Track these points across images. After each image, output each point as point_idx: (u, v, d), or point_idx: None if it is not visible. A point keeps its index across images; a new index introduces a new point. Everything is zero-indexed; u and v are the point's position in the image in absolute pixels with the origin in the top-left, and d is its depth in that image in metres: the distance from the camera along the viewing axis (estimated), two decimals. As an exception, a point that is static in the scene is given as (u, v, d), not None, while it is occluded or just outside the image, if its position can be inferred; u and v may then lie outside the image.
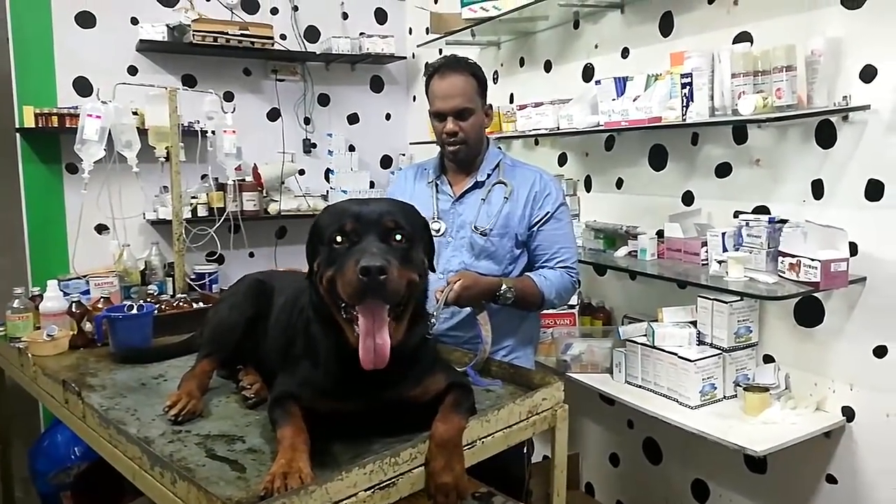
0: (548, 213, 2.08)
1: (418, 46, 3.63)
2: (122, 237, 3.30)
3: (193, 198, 3.50)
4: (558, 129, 2.64)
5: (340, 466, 1.32)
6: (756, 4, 2.17)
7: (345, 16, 4.07)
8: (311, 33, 4.00)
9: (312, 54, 3.89)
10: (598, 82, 2.49)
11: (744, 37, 2.21)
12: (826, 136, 2.01)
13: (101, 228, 3.46)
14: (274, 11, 3.88)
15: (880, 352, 1.92)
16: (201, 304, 2.60)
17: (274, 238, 3.99)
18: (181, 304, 2.53)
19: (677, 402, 2.18)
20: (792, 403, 2.09)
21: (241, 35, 3.49)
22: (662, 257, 2.37)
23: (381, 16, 4.20)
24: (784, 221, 2.04)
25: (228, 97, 3.66)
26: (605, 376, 2.47)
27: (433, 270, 1.55)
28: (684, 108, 2.09)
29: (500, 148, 2.23)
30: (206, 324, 1.93)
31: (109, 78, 3.28)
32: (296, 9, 3.92)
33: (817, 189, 2.05)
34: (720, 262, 2.06)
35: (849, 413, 2.01)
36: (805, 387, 2.11)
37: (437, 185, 2.18)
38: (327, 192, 4.04)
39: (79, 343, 2.24)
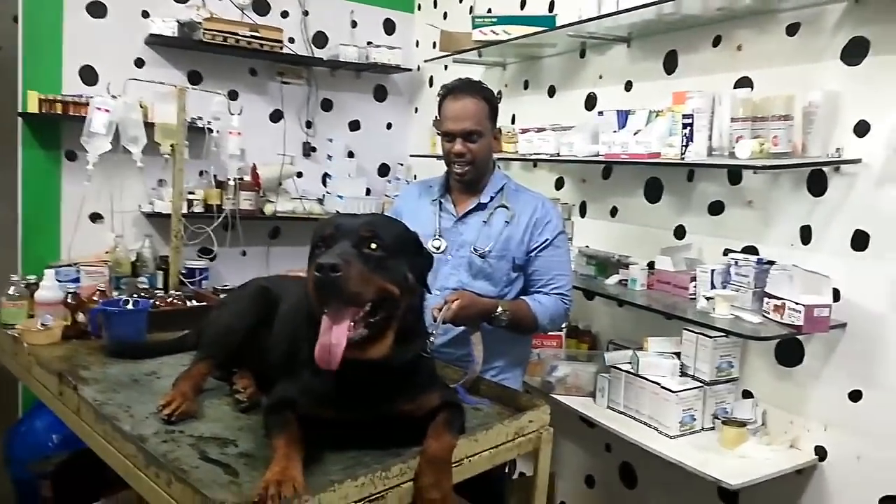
0: (547, 239, 2.13)
1: (426, 61, 3.69)
2: (117, 228, 3.32)
3: (190, 193, 3.51)
4: (558, 155, 2.70)
5: (330, 477, 1.35)
6: (759, 52, 2.25)
7: (354, 24, 4.12)
8: (319, 39, 4.04)
9: (319, 60, 3.93)
10: (601, 113, 2.56)
11: (744, 82, 2.28)
12: (817, 184, 2.08)
13: (94, 217, 3.46)
14: (284, 15, 3.92)
15: (855, 396, 1.99)
16: (194, 303, 2.62)
17: (267, 238, 4.01)
18: (174, 300, 2.55)
19: (657, 430, 2.23)
20: (767, 440, 2.16)
21: (251, 36, 3.53)
22: (652, 288, 2.44)
23: (389, 27, 4.25)
24: (772, 263, 2.12)
25: (233, 96, 3.69)
26: (587, 400, 2.52)
27: (428, 291, 1.59)
28: (684, 147, 2.16)
29: (504, 173, 2.28)
30: (207, 326, 1.95)
31: (116, 69, 3.33)
32: (306, 13, 3.97)
33: (805, 234, 2.12)
34: (708, 299, 2.12)
35: (821, 452, 2.08)
36: (781, 424, 2.17)
37: (440, 203, 2.22)
38: (323, 196, 4.08)
39: (71, 334, 2.25)
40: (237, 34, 3.50)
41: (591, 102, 2.93)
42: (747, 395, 2.28)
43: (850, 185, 1.99)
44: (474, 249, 2.11)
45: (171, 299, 2.54)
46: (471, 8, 3.72)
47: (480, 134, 2.10)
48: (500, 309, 2.00)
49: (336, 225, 1.40)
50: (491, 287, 2.11)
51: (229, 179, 3.02)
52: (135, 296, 2.40)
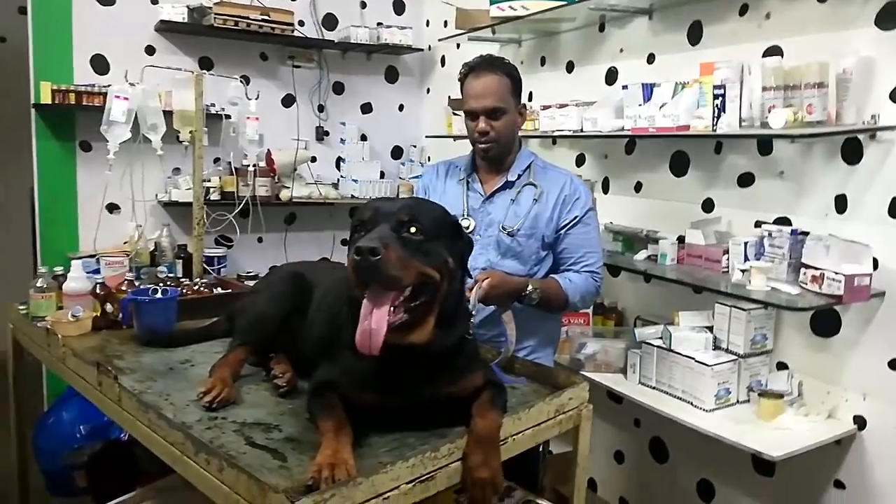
0: (576, 217, 2.11)
1: (440, 40, 3.64)
2: (137, 217, 3.31)
3: (206, 181, 3.49)
4: (581, 130, 2.67)
5: (379, 459, 1.35)
6: (788, 19, 2.21)
7: (363, 5, 4.07)
8: (329, 21, 4.00)
9: (330, 42, 3.89)
10: (624, 87, 2.52)
11: (773, 51, 2.25)
12: (852, 152, 2.06)
13: (112, 208, 3.44)
14: (293, -3, 3.87)
15: (895, 365, 1.98)
16: (219, 290, 2.61)
17: (283, 224, 4.00)
18: (201, 288, 2.54)
19: (691, 404, 2.23)
20: (804, 410, 2.15)
21: (262, 20, 3.48)
22: (682, 263, 2.42)
23: (399, 7, 4.20)
24: (806, 234, 2.10)
25: (245, 81, 3.63)
26: (617, 376, 2.52)
27: (469, 275, 1.57)
28: (715, 119, 2.13)
29: (531, 151, 2.25)
30: (240, 312, 1.94)
31: (127, 57, 3.30)
32: (315, -5, 3.92)
33: (840, 204, 2.10)
34: (743, 271, 2.10)
35: (860, 422, 2.08)
36: (817, 395, 2.17)
37: (468, 182, 2.20)
38: (338, 180, 4.06)
39: (101, 325, 2.25)
40: (248, 18, 3.46)
41: (611, 77, 2.89)
42: (782, 366, 2.27)
43: (886, 153, 1.97)
44: (503, 228, 2.10)
45: (197, 287, 2.54)
46: (482, -16, 3.66)
47: (504, 111, 2.08)
48: (530, 287, 1.99)
49: (374, 208, 1.39)
50: (520, 266, 2.10)
51: (248, 165, 3.00)
52: (163, 285, 2.39)
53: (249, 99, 2.83)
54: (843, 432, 2.06)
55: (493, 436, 1.43)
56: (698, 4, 2.48)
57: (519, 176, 2.15)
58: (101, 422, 2.86)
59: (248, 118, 2.79)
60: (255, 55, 3.82)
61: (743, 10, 2.35)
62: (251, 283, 2.90)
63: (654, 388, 2.37)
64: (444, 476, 1.39)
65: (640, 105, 2.46)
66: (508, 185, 2.15)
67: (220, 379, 1.68)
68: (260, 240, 3.92)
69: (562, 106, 2.73)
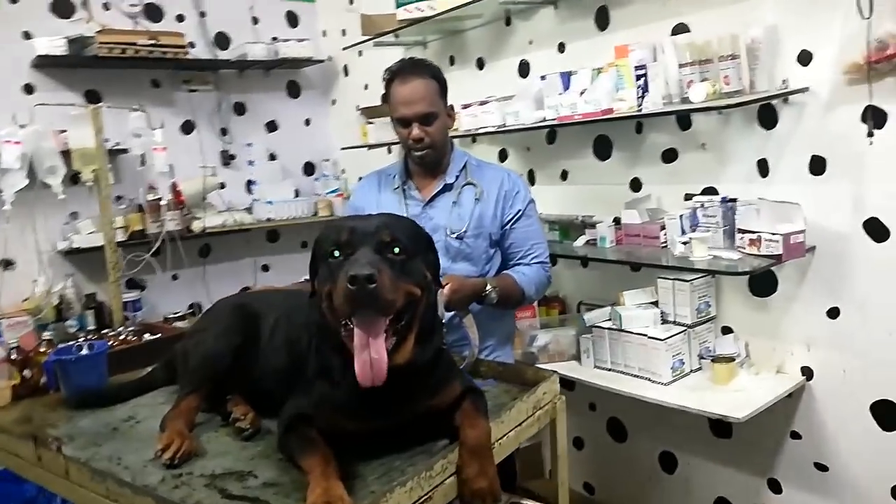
0: (519, 210, 2.11)
1: (344, 49, 3.55)
2: (35, 271, 3.04)
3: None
4: (504, 125, 2.67)
5: (370, 487, 1.29)
6: (691, -3, 2.29)
7: (255, 20, 3.93)
8: (221, 40, 3.83)
9: (226, 62, 3.73)
10: (542, 77, 2.54)
11: (681, 28, 2.32)
12: (768, 117, 2.15)
13: (6, 264, 3.14)
14: (180, 18, 3.68)
15: (833, 313, 2.09)
16: (148, 336, 2.44)
17: (198, 258, 3.79)
18: (127, 337, 2.36)
19: (649, 380, 2.27)
20: (755, 370, 2.24)
21: (152, 45, 3.28)
22: (621, 243, 2.46)
23: (292, 19, 4.08)
24: (734, 200, 2.18)
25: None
26: (571, 363, 2.54)
27: (440, 286, 1.53)
28: (640, 99, 2.18)
29: (463, 150, 2.23)
30: (184, 356, 1.80)
31: (4, 99, 3.01)
32: (203, 15, 3.74)
33: (763, 168, 2.20)
34: (685, 244, 2.16)
35: (808, 372, 2.18)
36: (764, 353, 2.26)
37: (404, 190, 2.15)
38: (251, 204, 3.89)
39: (22, 393, 2.03)
40: (135, 44, 3.24)
41: (524, 69, 2.91)
42: (727, 330, 2.35)
43: (799, 114, 2.07)
44: (450, 232, 2.06)
45: (123, 337, 2.35)
46: (380, -11, 3.61)
47: (436, 115, 2.05)
48: (489, 287, 1.97)
49: (350, 229, 1.32)
50: (472, 267, 2.07)
51: (160, 199, 2.81)
52: (85, 339, 2.20)
53: (153, 129, 2.65)
54: (793, 385, 2.15)
55: (485, 444, 1.39)
56: (601, -11, 2.53)
57: (457, 177, 2.12)
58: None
59: (155, 149, 2.61)
60: (146, 82, 3.60)
61: (646, -8, 2.42)
62: (180, 324, 2.74)
63: (609, 369, 2.40)
64: (440, 494, 1.34)
65: (559, 94, 2.48)
66: (447, 187, 2.12)
67: (176, 432, 1.55)
68: (175, 277, 3.70)
69: (483, 103, 2.72)
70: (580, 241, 2.57)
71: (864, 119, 1.92)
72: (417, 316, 1.34)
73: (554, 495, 1.80)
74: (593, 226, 2.51)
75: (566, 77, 2.49)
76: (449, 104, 2.13)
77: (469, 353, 1.89)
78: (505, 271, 2.10)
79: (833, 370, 2.11)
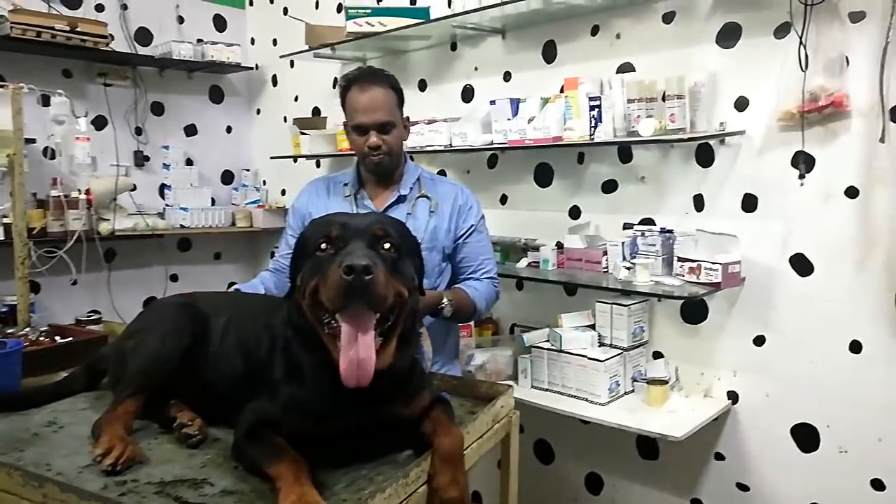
0: (472, 225, 2.13)
1: (281, 57, 3.47)
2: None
3: (4, 217, 2.98)
4: (451, 145, 2.70)
5: (340, 496, 1.24)
6: (638, 39, 2.43)
7: (181, 20, 3.77)
8: (143, 36, 3.64)
9: (149, 58, 3.54)
10: (492, 102, 2.60)
11: (626, 67, 2.46)
12: (705, 156, 2.31)
13: None
14: (99, 8, 3.47)
15: (759, 341, 2.25)
16: (59, 339, 2.22)
17: (102, 262, 3.51)
18: (40, 339, 2.14)
19: (586, 400, 2.32)
20: (684, 393, 2.36)
21: (71, 31, 3.06)
22: (562, 267, 2.53)
23: (220, 23, 3.95)
24: (671, 231, 2.31)
25: (46, 101, 3.18)
26: (507, 383, 2.55)
27: (422, 293, 1.51)
28: (592, 129, 2.27)
29: (416, 164, 2.23)
30: (120, 358, 1.66)
31: None
32: (125, 7, 3.54)
33: (698, 202, 2.35)
34: (628, 269, 2.26)
35: (733, 396, 2.32)
36: (693, 377, 2.38)
37: (356, 198, 2.12)
38: (164, 209, 3.68)
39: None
40: (53, 28, 3.01)
41: (468, 94, 2.96)
42: (657, 355, 2.46)
43: (735, 155, 2.24)
44: (405, 244, 2.04)
45: (35, 338, 2.13)
46: (317, 3, 3.58)
47: (393, 125, 2.04)
48: (445, 300, 1.96)
49: (342, 224, 1.27)
50: (424, 280, 2.06)
51: (80, 194, 2.60)
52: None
53: (78, 116, 2.46)
54: (720, 408, 2.28)
55: (459, 452, 1.38)
56: (551, 24, 2.64)
57: (410, 189, 2.12)
58: None
59: (78, 138, 2.42)
60: (58, 71, 3.35)
61: (595, 31, 2.54)
62: (94, 327, 2.52)
63: (546, 389, 2.44)
64: (414, 502, 1.31)
65: (508, 119, 2.54)
66: (401, 199, 2.11)
67: (116, 436, 1.41)
68: (74, 282, 3.40)
69: (431, 121, 2.74)
70: (522, 263, 2.62)
71: (794, 163, 2.10)
72: (402, 318, 1.30)
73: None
74: (536, 249, 2.57)
75: (515, 104, 2.56)
76: (405, 116, 2.13)
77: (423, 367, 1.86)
78: (457, 285, 2.11)
79: (757, 395, 2.26)
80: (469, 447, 1.53)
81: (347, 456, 1.35)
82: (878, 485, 2.05)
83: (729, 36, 2.22)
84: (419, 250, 1.45)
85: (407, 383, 1.39)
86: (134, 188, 3.56)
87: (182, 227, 3.64)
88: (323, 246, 1.25)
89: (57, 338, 2.23)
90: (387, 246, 1.27)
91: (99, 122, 3.49)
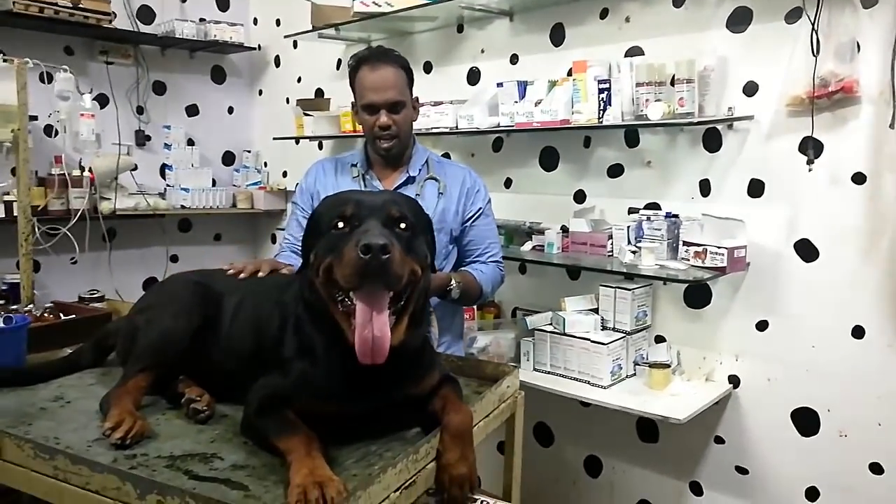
0: (480, 209, 2.14)
1: (286, 37, 3.44)
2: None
3: (6, 194, 2.96)
4: (457, 128, 2.69)
5: (350, 471, 1.25)
6: (647, 23, 2.43)
7: (183, -1, 3.74)
8: (145, 14, 3.61)
9: (152, 36, 3.51)
10: (499, 84, 2.59)
11: (635, 51, 2.45)
12: (712, 141, 2.31)
13: None
14: (102, -15, 3.43)
15: (762, 326, 2.26)
16: (62, 316, 2.22)
17: (102, 241, 3.50)
18: (45, 315, 2.14)
19: (589, 383, 2.34)
20: (685, 377, 2.38)
21: (73, 8, 3.03)
22: (567, 251, 2.54)
23: (222, 2, 3.91)
24: (676, 216, 2.32)
25: (48, 78, 3.15)
26: (512, 364, 2.56)
27: (434, 272, 1.52)
28: (601, 112, 2.27)
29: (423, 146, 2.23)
30: (130, 333, 1.65)
31: None
32: (128, -16, 3.51)
33: (704, 187, 2.35)
34: (633, 252, 2.26)
35: (735, 381, 2.33)
36: (695, 361, 2.40)
37: (364, 178, 2.12)
38: (165, 189, 3.67)
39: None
40: (56, 4, 2.98)
41: (473, 77, 2.95)
42: (660, 339, 2.47)
43: (743, 140, 2.24)
44: (413, 225, 2.04)
45: (40, 314, 2.13)
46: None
47: (404, 104, 2.04)
48: (453, 282, 1.97)
49: (356, 202, 1.27)
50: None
51: (83, 171, 2.59)
52: (4, 313, 1.97)
53: (82, 93, 2.44)
54: (722, 392, 2.29)
55: (468, 429, 1.39)
56: (559, 7, 2.63)
57: (419, 170, 2.12)
58: None
59: (83, 115, 2.41)
60: (59, 49, 3.32)
61: (604, 14, 2.54)
62: (96, 304, 2.52)
63: (548, 372, 2.45)
64: (423, 479, 1.32)
65: (515, 102, 2.54)
66: (410, 180, 2.11)
67: (126, 411, 1.42)
68: (73, 261, 3.39)
69: (437, 103, 2.73)
70: (527, 247, 2.62)
71: (802, 148, 2.10)
72: (414, 297, 1.31)
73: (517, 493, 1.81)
74: (541, 232, 2.58)
75: (522, 86, 2.55)
76: (415, 97, 2.12)
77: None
78: (463, 268, 2.11)
79: (759, 379, 2.27)
80: (475, 426, 1.54)
81: (357, 432, 1.36)
82: (876, 468, 2.07)
83: (740, 20, 2.22)
84: (432, 228, 1.45)
85: (418, 362, 1.40)
86: (135, 168, 3.54)
87: (183, 207, 3.62)
88: (339, 224, 1.25)
89: (61, 314, 2.24)
90: (402, 225, 1.27)
91: (101, 101, 3.45)
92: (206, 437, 1.43)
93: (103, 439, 1.36)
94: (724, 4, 2.25)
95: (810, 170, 2.07)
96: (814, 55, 2.00)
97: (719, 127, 2.28)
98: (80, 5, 3.08)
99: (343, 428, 1.34)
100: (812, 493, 2.20)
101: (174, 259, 3.81)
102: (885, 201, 1.99)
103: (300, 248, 2.06)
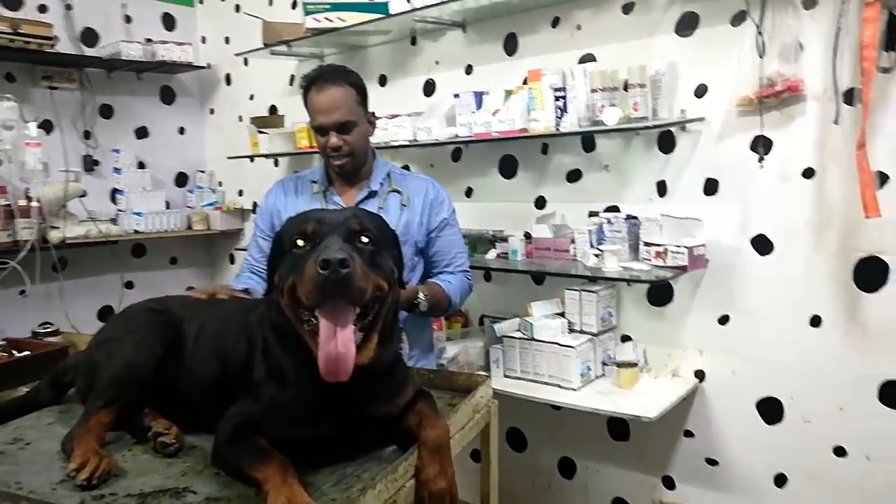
0: (444, 219, 2.14)
1: (237, 55, 3.40)
2: None
3: (-53, 226, 2.86)
4: (416, 140, 2.70)
5: (329, 496, 1.22)
6: (598, 29, 2.48)
7: (128, 19, 3.66)
8: (89, 37, 3.53)
9: (97, 59, 3.43)
10: (456, 95, 2.61)
11: (588, 58, 2.50)
12: (667, 143, 2.37)
13: None
14: (42, 9, 3.35)
15: (724, 320, 2.32)
16: (16, 353, 2.15)
17: (53, 271, 3.39)
18: (-1, 352, 2.07)
19: (559, 386, 2.36)
20: (652, 374, 2.42)
21: (13, 34, 2.94)
22: (531, 257, 2.56)
23: (168, 22, 3.85)
24: (636, 217, 2.36)
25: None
26: (483, 374, 2.57)
27: (402, 287, 1.51)
28: (558, 119, 2.31)
29: (385, 159, 2.23)
30: (89, 368, 1.58)
31: None
32: (69, 7, 3.43)
33: (661, 188, 2.41)
34: (597, 255, 2.30)
35: (700, 375, 2.39)
36: (661, 358, 2.45)
37: (325, 195, 2.11)
38: (116, 215, 3.58)
39: None
40: (-4, 30, 2.90)
41: (429, 88, 2.96)
42: (626, 339, 2.51)
43: (695, 141, 2.31)
44: (377, 239, 2.04)
45: (-7, 351, 2.05)
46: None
47: (354, 124, 2.03)
48: (420, 295, 1.97)
49: (318, 219, 1.26)
50: (401, 274, 2.06)
51: (31, 201, 2.50)
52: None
53: (26, 121, 2.37)
54: (689, 387, 2.35)
55: (445, 444, 1.37)
56: (511, 17, 2.66)
57: (381, 184, 2.11)
58: None
59: (28, 144, 2.33)
60: (0, 76, 3.21)
61: (555, 23, 2.58)
62: (52, 339, 2.44)
63: (519, 378, 2.46)
64: (402, 498, 1.30)
65: (472, 112, 2.56)
66: (372, 194, 2.10)
67: (90, 450, 1.36)
68: (23, 292, 3.27)
69: (394, 116, 2.73)
70: (491, 255, 2.64)
71: (753, 146, 2.17)
72: (383, 313, 1.29)
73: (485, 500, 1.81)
74: (504, 239, 2.60)
75: (479, 96, 2.57)
76: (370, 111, 2.12)
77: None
78: (430, 279, 2.11)
79: (723, 372, 2.33)
80: (451, 439, 1.54)
81: (330, 454, 1.33)
82: (840, 451, 2.15)
83: (687, 25, 2.29)
84: (398, 243, 1.44)
85: (390, 379, 1.38)
86: (84, 194, 3.44)
87: (136, 232, 3.54)
88: (299, 242, 1.23)
89: (14, 352, 2.16)
90: (364, 240, 1.25)
91: (45, 127, 3.35)
92: (176, 470, 1.38)
93: (68, 481, 1.29)
94: (671, 9, 2.31)
95: (762, 167, 2.14)
96: (760, 56, 2.07)
97: (673, 129, 2.34)
98: (20, 30, 2.99)
99: (317, 451, 1.32)
100: (780, 479, 2.26)
101: (129, 286, 3.72)
102: (832, 193, 2.07)
103: (260, 268, 2.03)
